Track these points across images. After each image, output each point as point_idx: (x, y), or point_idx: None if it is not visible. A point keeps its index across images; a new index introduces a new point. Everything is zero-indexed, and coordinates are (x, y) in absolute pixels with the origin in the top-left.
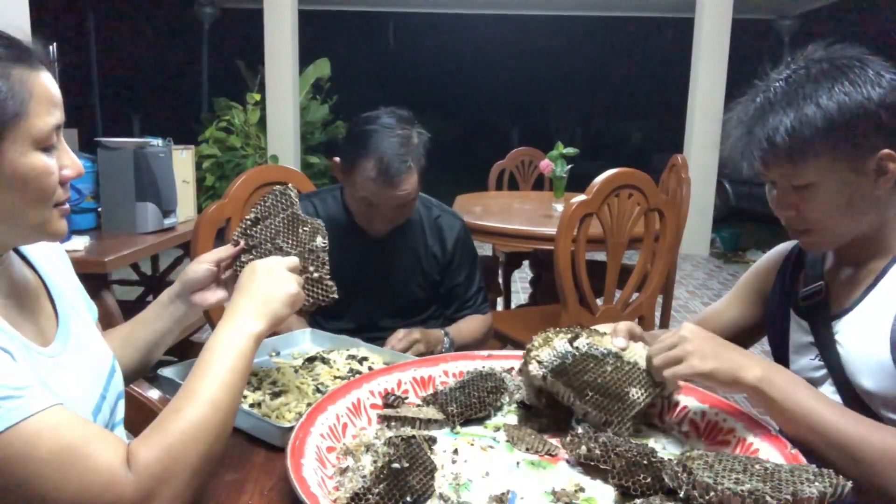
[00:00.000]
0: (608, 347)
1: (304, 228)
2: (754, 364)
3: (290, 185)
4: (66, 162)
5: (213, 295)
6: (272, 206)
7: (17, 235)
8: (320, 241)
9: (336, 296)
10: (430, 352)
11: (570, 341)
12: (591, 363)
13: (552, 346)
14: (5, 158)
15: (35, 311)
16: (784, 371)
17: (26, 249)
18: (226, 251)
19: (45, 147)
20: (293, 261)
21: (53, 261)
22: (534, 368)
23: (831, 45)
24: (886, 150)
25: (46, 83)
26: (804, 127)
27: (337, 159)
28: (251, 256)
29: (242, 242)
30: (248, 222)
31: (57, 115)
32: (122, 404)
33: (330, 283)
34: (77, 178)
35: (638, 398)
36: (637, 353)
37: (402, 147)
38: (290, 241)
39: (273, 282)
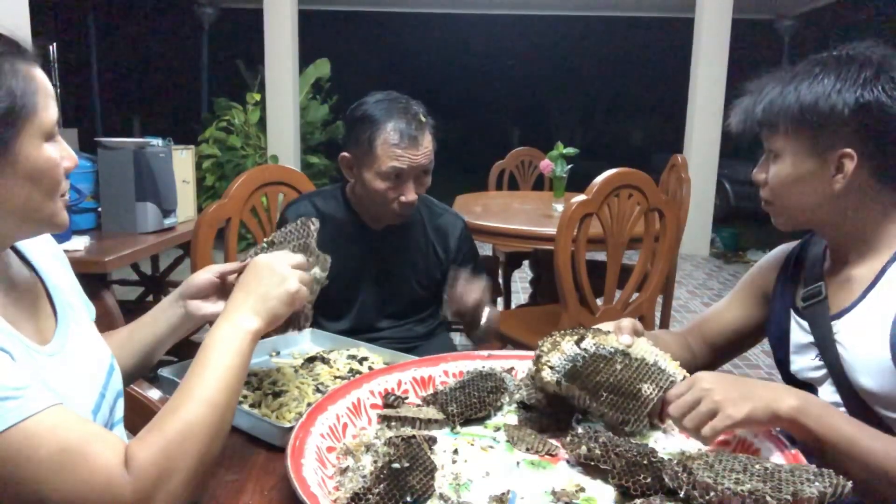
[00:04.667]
0: (614, 346)
1: (309, 259)
2: (785, 394)
3: (313, 219)
4: (65, 153)
5: (210, 307)
6: (290, 232)
7: (27, 228)
8: (318, 272)
9: (308, 326)
10: (474, 312)
11: (577, 343)
12: (601, 363)
13: (561, 350)
14: (22, 153)
15: (34, 310)
16: (815, 398)
17: (24, 247)
18: (233, 265)
19: (51, 139)
20: (298, 258)
21: (50, 259)
22: (547, 375)
23: (867, 41)
24: (847, 150)
25: (43, 76)
26: (777, 105)
27: (345, 154)
28: None
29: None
30: (266, 244)
31: (55, 107)
32: (121, 403)
33: (309, 312)
34: (74, 168)
35: (651, 394)
36: (642, 349)
37: (407, 108)
38: None
39: (273, 278)
